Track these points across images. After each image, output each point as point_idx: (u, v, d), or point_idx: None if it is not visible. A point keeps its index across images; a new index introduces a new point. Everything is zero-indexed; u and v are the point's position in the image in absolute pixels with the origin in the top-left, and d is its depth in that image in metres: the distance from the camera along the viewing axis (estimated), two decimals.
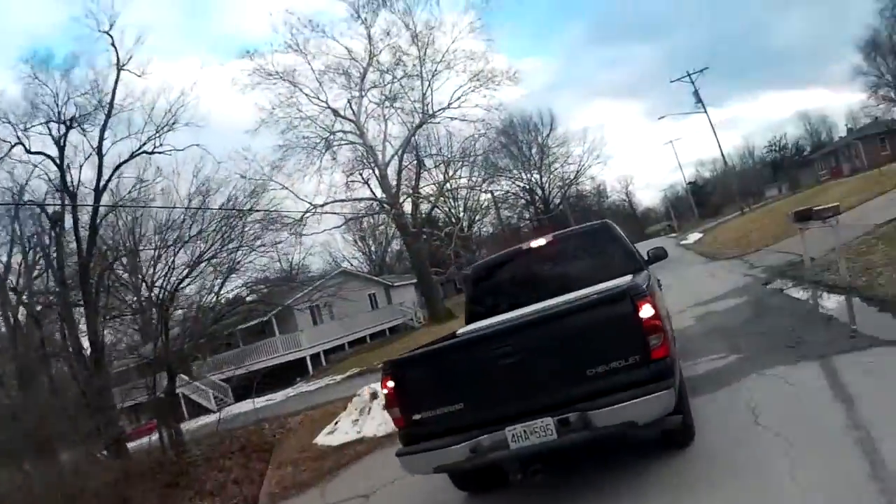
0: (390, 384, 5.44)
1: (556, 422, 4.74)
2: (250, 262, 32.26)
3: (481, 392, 5.18)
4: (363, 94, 41.28)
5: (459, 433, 5.05)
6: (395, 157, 42.59)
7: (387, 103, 41.71)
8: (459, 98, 41.45)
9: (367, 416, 12.60)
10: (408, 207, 45.95)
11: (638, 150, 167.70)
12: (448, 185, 47.57)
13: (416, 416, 5.33)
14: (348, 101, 41.32)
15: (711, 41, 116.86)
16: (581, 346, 4.94)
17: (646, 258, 8.28)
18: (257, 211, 32.47)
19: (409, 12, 40.56)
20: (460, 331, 7.15)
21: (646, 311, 4.80)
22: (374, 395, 12.78)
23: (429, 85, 41.26)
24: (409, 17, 40.46)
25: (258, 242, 31.60)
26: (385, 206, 42.38)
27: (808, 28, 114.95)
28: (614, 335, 4.86)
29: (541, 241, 7.95)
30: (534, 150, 79.48)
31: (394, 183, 42.47)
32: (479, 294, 8.09)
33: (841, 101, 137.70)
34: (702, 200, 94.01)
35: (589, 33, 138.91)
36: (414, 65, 40.72)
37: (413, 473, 5.80)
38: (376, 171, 41.70)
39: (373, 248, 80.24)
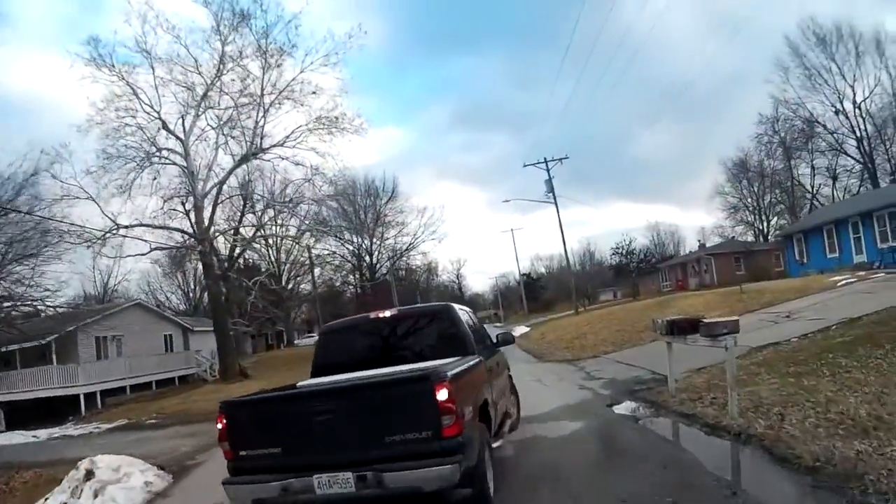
0: (224, 421, 6.04)
1: (356, 477, 5.40)
2: (14, 271, 29.31)
3: (297, 441, 5.77)
4: (200, 112, 36.33)
5: (274, 473, 5.68)
6: (215, 189, 37.67)
7: (225, 129, 37.04)
8: (297, 137, 37.12)
9: (76, 501, 9.85)
10: (227, 248, 41.45)
11: (476, 235, 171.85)
12: (263, 230, 42.61)
13: (242, 452, 5.95)
14: (181, 117, 36.23)
15: (573, 143, 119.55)
16: (385, 415, 5.51)
17: (494, 341, 9.61)
18: (23, 213, 29.21)
19: (267, 33, 36.09)
20: (300, 383, 7.80)
21: (441, 395, 5.36)
22: (89, 475, 10.18)
23: (264, 114, 36.71)
24: (265, 39, 35.98)
25: (30, 249, 29.59)
26: (195, 240, 36.99)
27: (668, 148, 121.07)
28: (413, 411, 5.46)
29: (387, 313, 8.55)
30: (370, 216, 76.59)
31: (208, 216, 37.51)
32: (325, 352, 8.53)
33: (689, 220, 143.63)
34: (533, 294, 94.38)
35: (452, 116, 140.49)
36: (258, 93, 36.41)
37: (234, 502, 5.98)
38: (194, 201, 36.70)
39: (192, 286, 74.17)
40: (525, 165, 55.18)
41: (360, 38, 36.79)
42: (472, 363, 7.01)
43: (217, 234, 39.34)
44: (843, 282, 25.79)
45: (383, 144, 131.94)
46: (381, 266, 79.07)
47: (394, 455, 5.42)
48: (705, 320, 9.25)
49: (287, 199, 39.91)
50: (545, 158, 53.15)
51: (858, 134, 56.90)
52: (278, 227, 44.00)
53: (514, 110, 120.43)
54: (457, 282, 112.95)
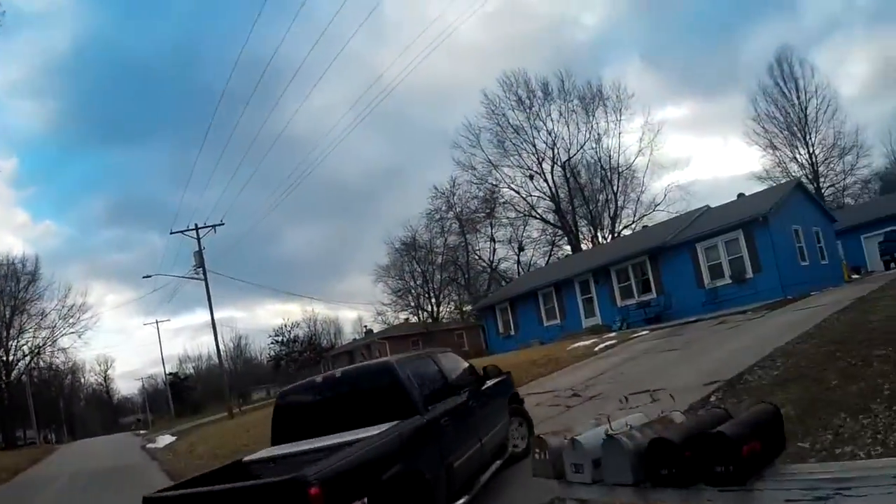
0: None
1: None
2: None
3: None
4: None
5: None
6: None
7: None
8: None
9: None
10: None
11: (125, 336, 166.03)
12: None
13: None
14: None
15: (230, 242, 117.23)
16: None
17: (480, 374, 9.86)
18: None
19: None
20: (246, 459, 7.80)
21: (313, 499, 5.21)
22: None
23: None
24: None
25: None
26: None
27: (325, 247, 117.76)
28: None
29: (333, 374, 8.61)
30: (7, 304, 64.28)
31: None
32: (280, 419, 8.61)
33: (346, 315, 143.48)
34: (182, 395, 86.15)
35: (110, 211, 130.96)
36: None
37: None
38: None
39: None
40: (172, 233, 45.07)
41: None
42: (384, 438, 6.70)
43: None
44: (602, 346, 21.84)
45: (40, 240, 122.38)
46: (17, 363, 66.82)
47: None
48: None
49: None
50: (196, 224, 43.82)
51: (559, 196, 55.92)
52: None
53: (174, 208, 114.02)
54: (104, 384, 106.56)
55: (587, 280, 31.20)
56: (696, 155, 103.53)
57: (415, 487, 6.59)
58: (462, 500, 7.35)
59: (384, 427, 6.96)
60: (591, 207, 56.08)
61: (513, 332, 36.55)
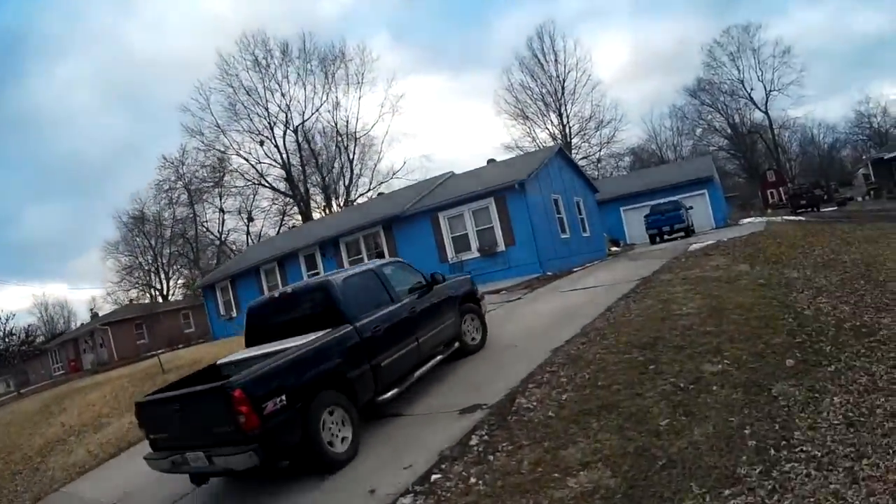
0: (139, 412, 7.68)
1: (205, 456, 6.84)
2: None
3: (172, 428, 7.32)
4: None
5: (166, 451, 7.36)
6: None
7: None
8: None
9: None
10: None
11: None
12: None
13: (151, 436, 7.64)
14: None
15: None
16: (209, 413, 6.88)
17: (426, 280, 10.31)
18: None
19: None
20: (220, 361, 8.97)
21: (236, 400, 6.52)
22: None
23: None
24: None
25: None
26: None
27: (51, 224, 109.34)
28: (219, 412, 6.69)
29: (286, 290, 9.53)
30: None
31: None
32: (249, 326, 9.61)
33: (82, 294, 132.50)
34: None
35: None
36: None
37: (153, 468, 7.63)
38: None
39: None
40: None
41: None
42: (306, 347, 7.62)
43: None
44: None
45: None
46: None
47: (217, 442, 6.79)
48: None
49: None
50: None
51: (290, 163, 51.61)
52: None
53: None
54: None
55: (313, 253, 26.93)
56: (438, 125, 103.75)
57: (335, 385, 7.62)
58: (391, 393, 8.37)
59: (312, 336, 8.02)
60: (325, 175, 52.54)
61: (234, 314, 31.18)
